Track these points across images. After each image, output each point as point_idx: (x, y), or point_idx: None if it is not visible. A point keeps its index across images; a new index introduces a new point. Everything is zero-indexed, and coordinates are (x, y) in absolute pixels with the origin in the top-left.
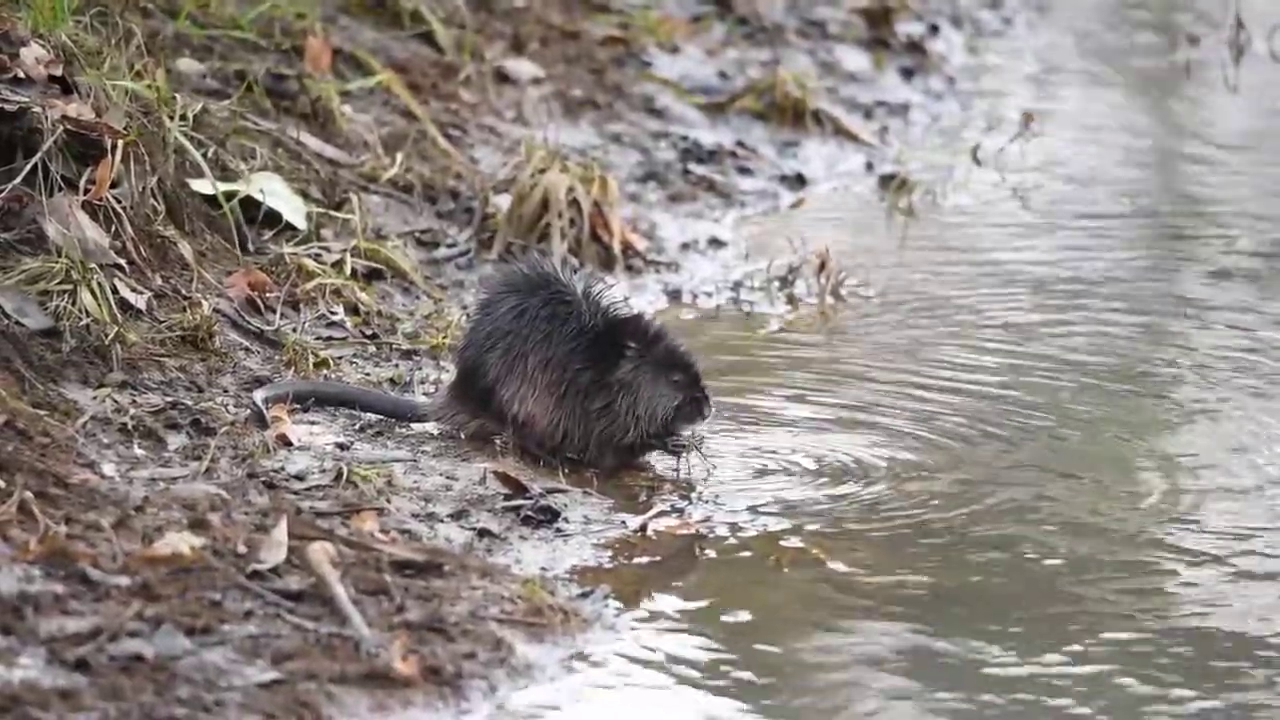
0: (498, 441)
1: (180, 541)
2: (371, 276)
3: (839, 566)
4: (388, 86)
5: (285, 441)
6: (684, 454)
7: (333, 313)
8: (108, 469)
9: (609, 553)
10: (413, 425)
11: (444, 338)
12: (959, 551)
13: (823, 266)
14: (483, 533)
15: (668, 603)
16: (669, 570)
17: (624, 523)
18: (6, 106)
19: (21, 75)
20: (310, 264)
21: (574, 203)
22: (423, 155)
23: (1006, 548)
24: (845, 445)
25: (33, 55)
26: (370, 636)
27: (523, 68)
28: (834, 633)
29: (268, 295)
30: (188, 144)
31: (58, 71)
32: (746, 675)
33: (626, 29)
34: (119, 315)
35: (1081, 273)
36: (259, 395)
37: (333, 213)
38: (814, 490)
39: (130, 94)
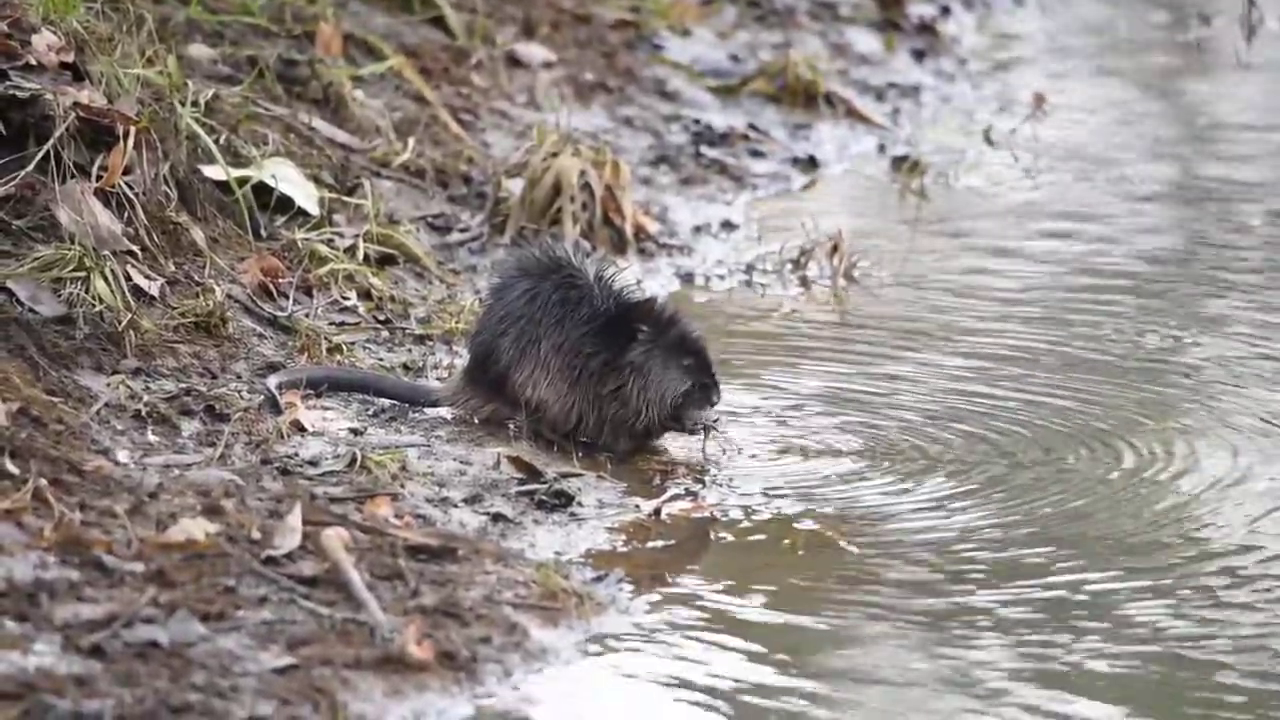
0: (511, 426)
1: (194, 528)
2: (384, 262)
3: (853, 549)
4: (399, 71)
5: (299, 427)
6: (698, 436)
7: (345, 298)
8: (122, 456)
9: (623, 536)
10: (426, 410)
11: (457, 322)
12: (975, 532)
13: (835, 249)
14: (497, 517)
15: (682, 586)
16: (683, 554)
17: (638, 506)
18: (18, 94)
19: (33, 62)
20: (323, 249)
21: (586, 186)
22: (434, 140)
23: (1023, 527)
24: (859, 427)
25: (44, 42)
26: (385, 621)
27: (534, 52)
28: (849, 615)
29: (280, 281)
30: (200, 130)
31: (69, 58)
32: (761, 658)
33: (637, 12)
34: (132, 302)
35: (1094, 251)
36: (272, 381)
37: (345, 198)
38: (829, 472)
39: (142, 80)
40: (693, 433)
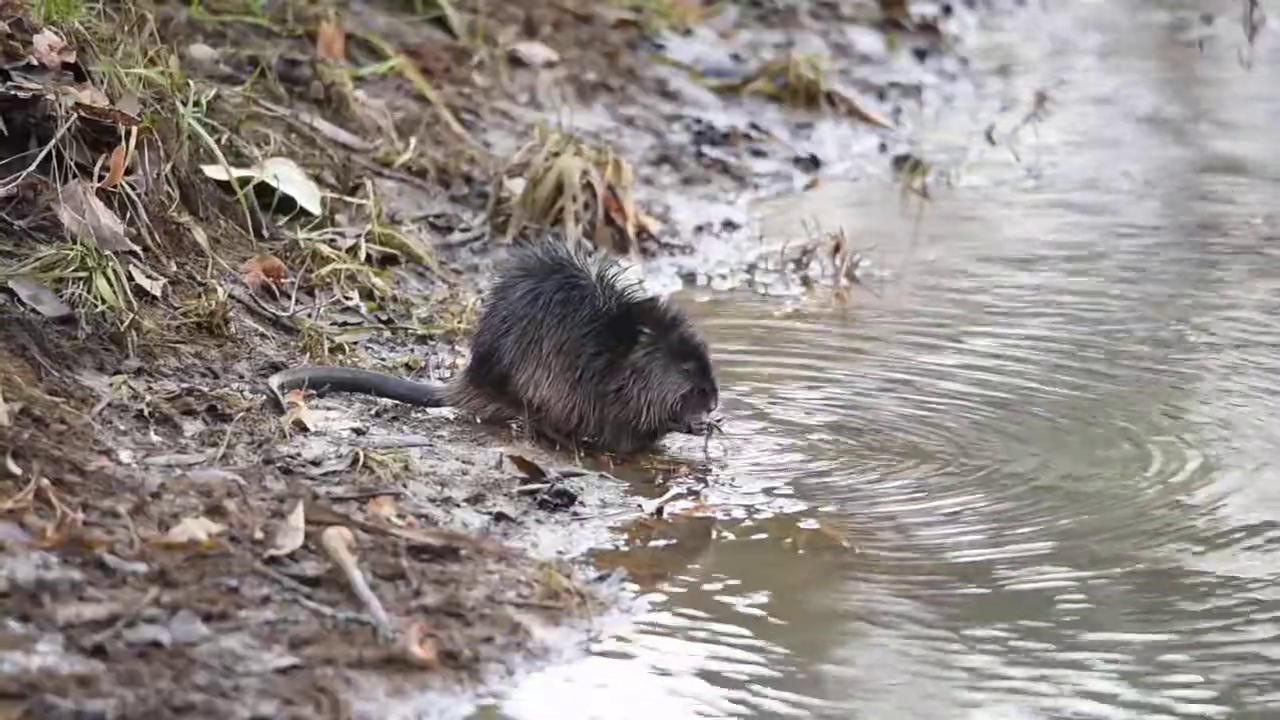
0: (514, 426)
1: (197, 528)
2: (386, 262)
3: (855, 548)
4: (401, 71)
5: (301, 427)
6: (702, 436)
7: (348, 298)
8: (124, 456)
9: (625, 536)
10: (428, 410)
11: (459, 322)
12: (978, 532)
13: (837, 248)
14: (499, 517)
15: (684, 585)
16: (685, 553)
17: (640, 506)
18: (20, 94)
19: (35, 63)
20: (325, 249)
21: (588, 186)
22: (436, 140)
23: (1026, 527)
24: (860, 427)
25: (46, 42)
26: (387, 621)
27: (535, 51)
28: (851, 614)
29: (283, 281)
30: (201, 130)
31: (71, 59)
32: (763, 657)
33: (639, 12)
34: (134, 302)
35: (1097, 251)
36: (275, 381)
37: (347, 198)
38: (830, 472)
39: (144, 81)
40: (695, 432)
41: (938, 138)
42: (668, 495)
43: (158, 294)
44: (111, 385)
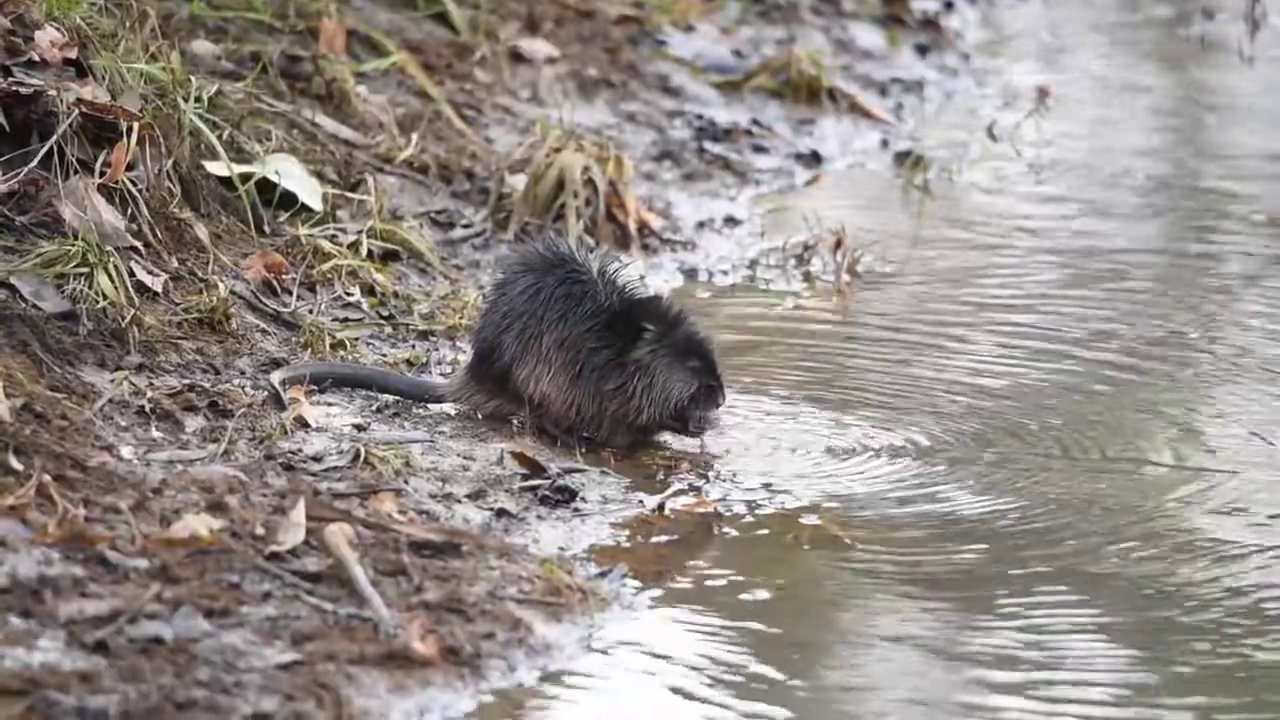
0: (515, 421)
1: (198, 524)
2: (387, 257)
3: (857, 544)
4: (402, 67)
5: (303, 423)
6: (700, 434)
7: (349, 294)
8: (125, 452)
9: (626, 532)
10: (430, 406)
11: (460, 318)
12: (978, 529)
13: (839, 244)
14: (500, 513)
15: (686, 581)
16: (687, 549)
17: (641, 502)
18: (22, 90)
19: (36, 59)
20: (326, 245)
21: (589, 182)
22: (438, 136)
23: (1026, 525)
24: (862, 423)
25: (47, 39)
26: (389, 617)
27: (537, 47)
28: (853, 610)
29: (284, 277)
30: (203, 126)
31: (73, 55)
32: (765, 654)
33: (641, 8)
34: (135, 298)
35: (1098, 247)
36: (276, 377)
37: (348, 194)
38: (832, 468)
39: (145, 77)
40: (691, 434)
41: (939, 133)
42: (669, 491)
43: (159, 290)
44: (113, 381)
